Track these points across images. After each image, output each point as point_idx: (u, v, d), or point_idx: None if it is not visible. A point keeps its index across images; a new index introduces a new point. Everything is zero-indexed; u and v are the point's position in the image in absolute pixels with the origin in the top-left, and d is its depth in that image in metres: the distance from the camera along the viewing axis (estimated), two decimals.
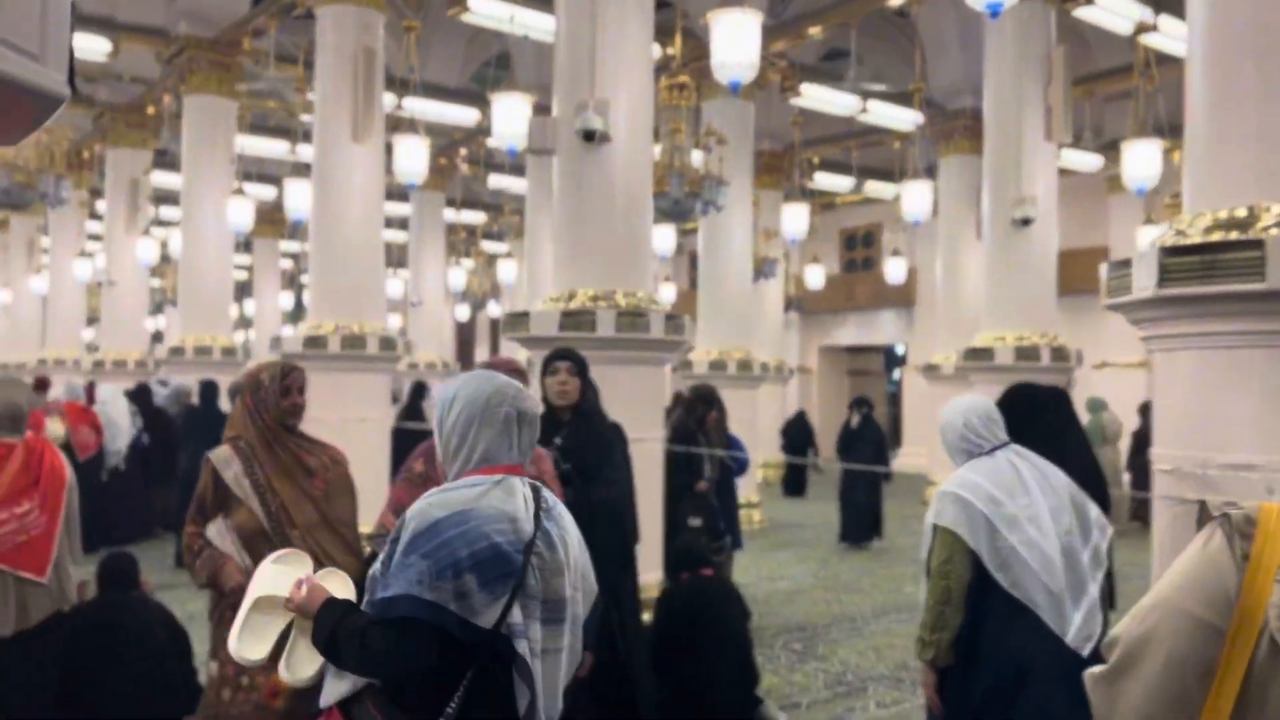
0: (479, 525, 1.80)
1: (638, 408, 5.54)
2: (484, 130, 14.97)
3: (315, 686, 2.01)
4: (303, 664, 2.06)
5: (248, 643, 2.12)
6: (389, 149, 8.68)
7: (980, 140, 11.10)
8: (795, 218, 11.58)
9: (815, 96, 11.88)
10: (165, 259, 18.21)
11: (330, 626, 1.88)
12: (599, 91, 5.59)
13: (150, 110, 12.83)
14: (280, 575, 2.17)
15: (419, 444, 3.03)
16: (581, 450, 3.70)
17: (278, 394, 3.17)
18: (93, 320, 16.67)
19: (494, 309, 22.08)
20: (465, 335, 28.56)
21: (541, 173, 13.57)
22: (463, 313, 23.01)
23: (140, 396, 9.39)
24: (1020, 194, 8.64)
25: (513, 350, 14.80)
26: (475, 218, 20.28)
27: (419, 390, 10.11)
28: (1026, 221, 8.59)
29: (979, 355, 8.64)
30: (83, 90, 13.36)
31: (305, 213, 9.48)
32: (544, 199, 13.52)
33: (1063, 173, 9.55)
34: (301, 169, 9.48)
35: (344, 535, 3.18)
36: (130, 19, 10.89)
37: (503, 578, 1.78)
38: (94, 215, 16.37)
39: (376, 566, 1.90)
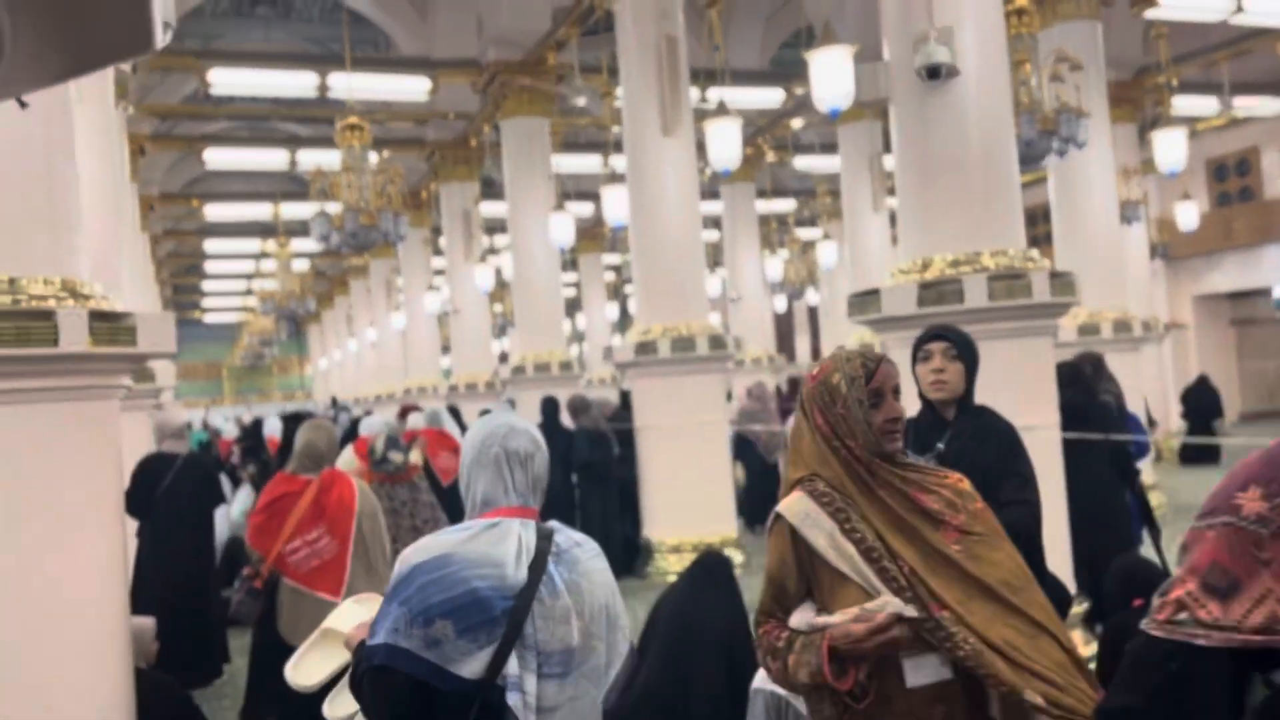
0: (458, 570, 1.74)
1: (1025, 388, 4.64)
2: (788, 112, 14.36)
3: None
4: (344, 704, 2.08)
5: (303, 670, 2.22)
6: (699, 146, 8.33)
7: None
8: (1170, 147, 9.85)
9: (1175, 4, 10.10)
10: (502, 284, 19.34)
11: (355, 668, 1.86)
12: (939, 20, 4.75)
13: (473, 142, 13.43)
14: (356, 614, 2.19)
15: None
16: (973, 457, 2.72)
17: (865, 404, 2.00)
18: (447, 348, 17.90)
19: (812, 296, 21.33)
20: (783, 327, 28.04)
21: (855, 143, 12.69)
22: (780, 304, 22.48)
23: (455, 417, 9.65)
24: None
25: (845, 336, 13.95)
26: (785, 206, 19.70)
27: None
28: None
29: None
30: (413, 132, 14.29)
31: (624, 219, 9.32)
32: (861, 170, 12.64)
33: None
34: (618, 178, 9.35)
35: (1022, 608, 1.94)
36: (446, 54, 11.36)
37: (485, 625, 1.72)
38: (437, 251, 17.58)
39: None
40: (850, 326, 19.18)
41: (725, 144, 7.10)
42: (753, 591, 2.48)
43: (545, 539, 1.84)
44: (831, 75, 5.74)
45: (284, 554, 3.92)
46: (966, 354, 2.91)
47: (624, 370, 8.27)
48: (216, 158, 13.72)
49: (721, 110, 7.07)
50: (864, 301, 4.92)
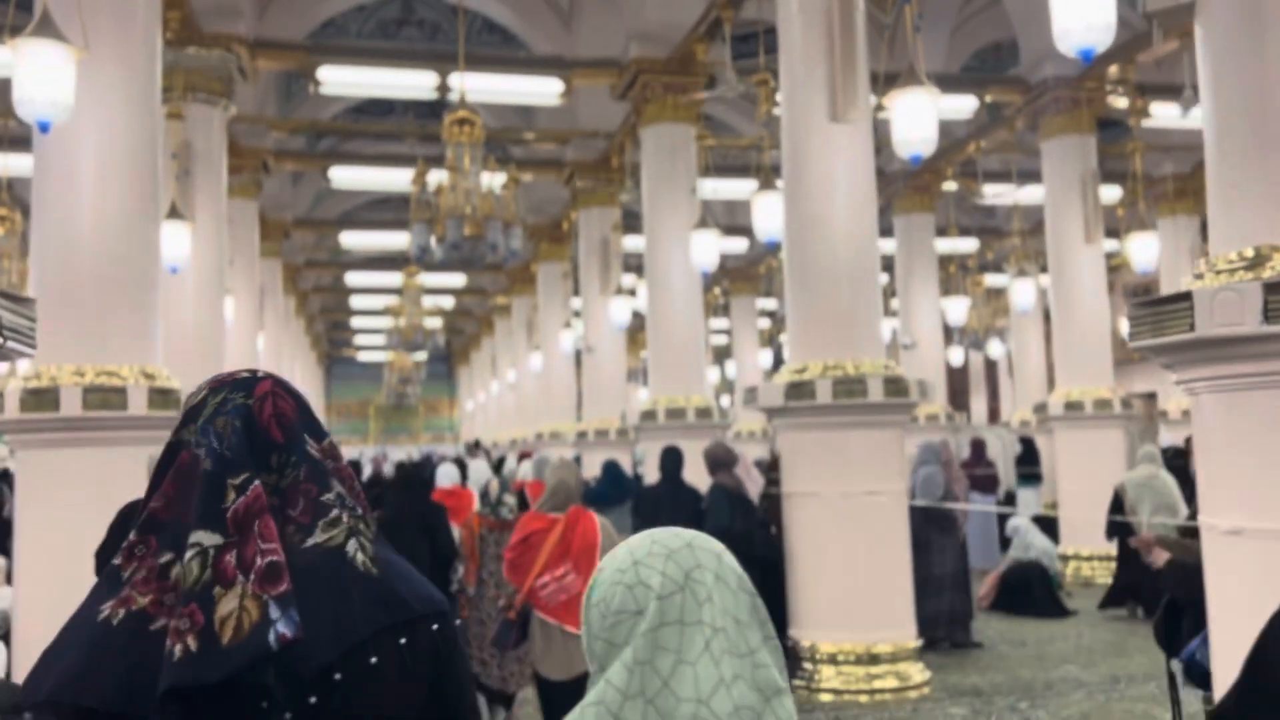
0: None
1: None
2: (978, 130, 12.42)
3: None
4: None
5: None
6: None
7: None
8: None
9: None
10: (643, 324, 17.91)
11: None
12: None
13: (614, 162, 12.09)
14: None
15: None
16: None
17: None
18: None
19: (996, 348, 18.94)
20: (956, 383, 25.41)
21: (1063, 161, 10.62)
22: (956, 356, 20.17)
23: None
24: None
25: (1037, 392, 11.63)
26: (966, 245, 17.49)
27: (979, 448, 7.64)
28: None
29: None
30: (552, 154, 13.09)
31: (778, 233, 7.66)
32: (1070, 194, 10.53)
33: None
34: (772, 183, 7.71)
35: None
36: (585, 54, 10.03)
37: None
38: (578, 291, 16.33)
39: None
40: (1040, 384, 16.74)
41: (917, 123, 5.35)
42: None
43: None
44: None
45: (535, 588, 4.17)
46: None
47: (772, 420, 6.54)
48: (342, 176, 12.86)
49: (911, 78, 5.34)
50: (1160, 317, 3.03)
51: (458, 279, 22.37)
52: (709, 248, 8.79)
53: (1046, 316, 18.93)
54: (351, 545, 1.14)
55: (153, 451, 4.28)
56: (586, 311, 13.10)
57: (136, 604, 1.06)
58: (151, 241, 5.43)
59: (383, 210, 20.33)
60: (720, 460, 6.48)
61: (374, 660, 1.08)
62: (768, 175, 7.73)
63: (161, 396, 5.12)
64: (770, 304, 22.51)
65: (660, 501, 6.19)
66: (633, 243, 13.53)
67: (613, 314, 12.42)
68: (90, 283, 5.13)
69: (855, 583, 5.88)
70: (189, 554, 1.06)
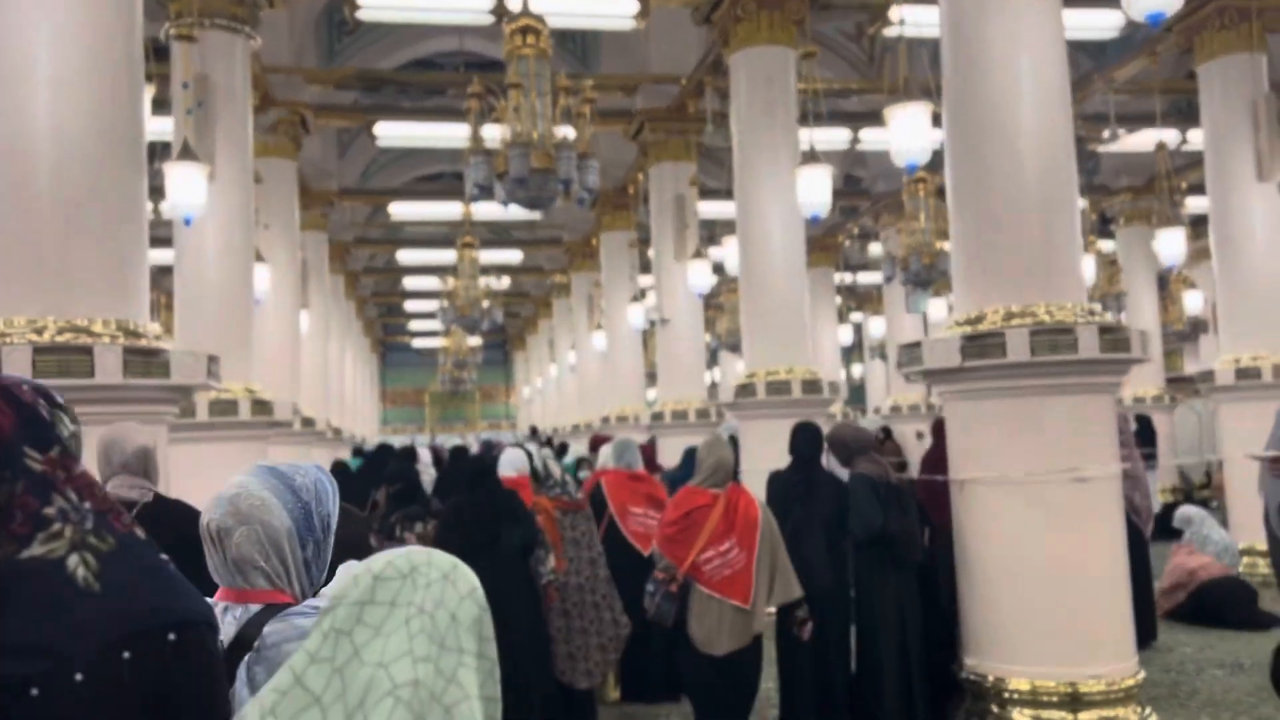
0: None
1: None
2: (1106, 61, 10.79)
3: None
4: None
5: None
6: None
7: None
8: None
9: None
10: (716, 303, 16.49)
11: None
12: None
13: (690, 108, 10.68)
14: None
15: None
16: None
17: None
18: (653, 375, 15.28)
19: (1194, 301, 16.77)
20: None
21: (1224, 86, 8.97)
22: None
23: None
24: None
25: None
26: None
27: None
28: None
29: None
30: (618, 104, 11.70)
31: (919, 154, 6.21)
32: (1233, 124, 8.88)
33: None
34: (912, 90, 6.22)
35: None
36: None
37: None
38: (645, 268, 14.93)
39: None
40: (1156, 354, 14.99)
41: None
42: None
43: (251, 628, 1.50)
44: None
45: (698, 563, 4.18)
46: None
47: (932, 386, 5.11)
48: (389, 132, 11.62)
49: None
50: None
51: (514, 255, 21.15)
52: (819, 187, 7.33)
53: (1161, 283, 17.20)
54: (73, 559, 1.09)
55: (101, 432, 2.99)
56: (660, 279, 11.73)
57: None
58: (131, 163, 4.16)
59: (435, 184, 19.16)
60: (856, 444, 5.02)
61: (79, 677, 1.03)
62: (906, 84, 6.25)
63: (143, 361, 3.86)
64: (847, 277, 20.97)
65: (791, 490, 4.77)
66: (705, 208, 12.15)
67: (691, 280, 11.03)
68: (48, 212, 3.89)
69: (1056, 598, 4.43)
70: None
